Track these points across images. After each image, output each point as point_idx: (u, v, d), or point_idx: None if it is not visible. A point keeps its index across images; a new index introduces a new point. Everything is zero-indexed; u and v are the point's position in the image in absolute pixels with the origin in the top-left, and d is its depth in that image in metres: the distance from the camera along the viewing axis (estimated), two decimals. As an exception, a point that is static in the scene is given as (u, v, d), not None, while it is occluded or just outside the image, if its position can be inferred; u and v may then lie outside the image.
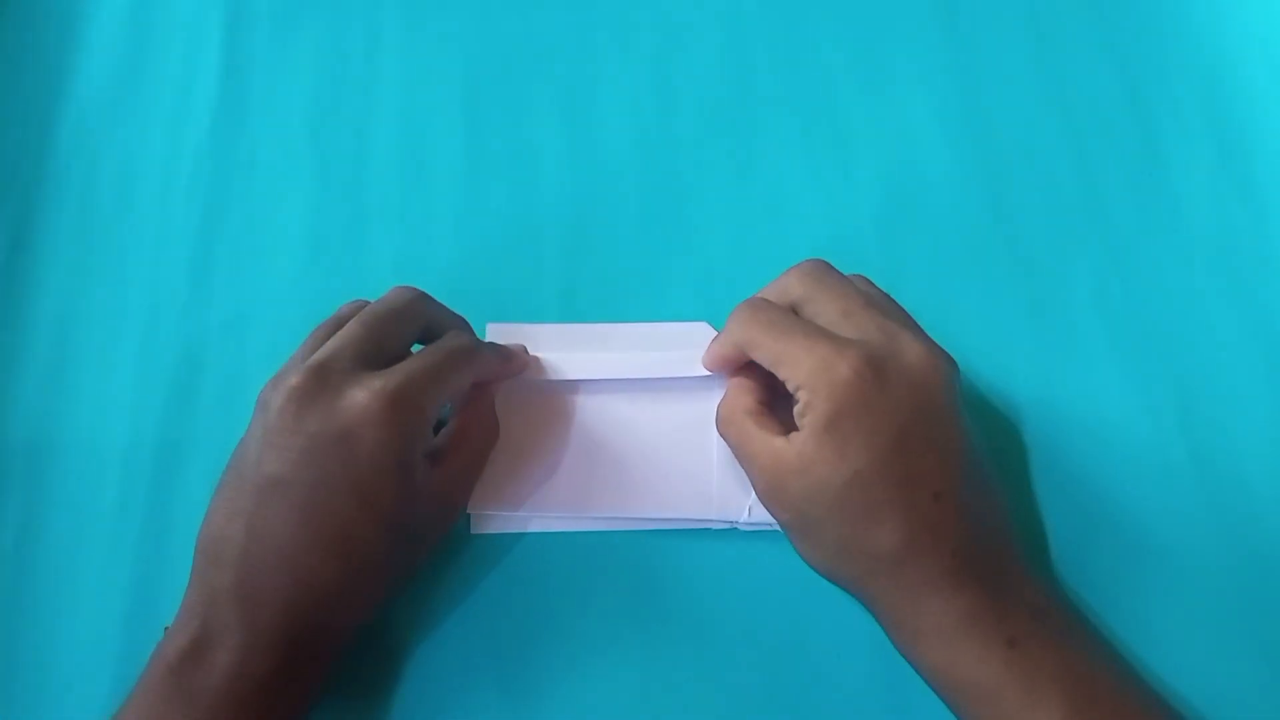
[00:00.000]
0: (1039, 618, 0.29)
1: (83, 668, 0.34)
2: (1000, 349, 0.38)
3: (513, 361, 0.36)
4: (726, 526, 0.35)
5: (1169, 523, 0.35)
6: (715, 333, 0.37)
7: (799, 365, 0.30)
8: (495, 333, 0.38)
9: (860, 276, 0.34)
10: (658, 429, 0.37)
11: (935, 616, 0.29)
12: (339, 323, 0.33)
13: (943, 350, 0.31)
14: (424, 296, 0.35)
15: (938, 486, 0.29)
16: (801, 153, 0.42)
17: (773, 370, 0.31)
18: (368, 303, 0.34)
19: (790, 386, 0.30)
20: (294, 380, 0.30)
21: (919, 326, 0.33)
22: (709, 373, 0.36)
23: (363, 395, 0.30)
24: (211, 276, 0.41)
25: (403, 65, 0.45)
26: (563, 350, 0.37)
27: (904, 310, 0.33)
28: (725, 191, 0.42)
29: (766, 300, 0.33)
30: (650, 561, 0.34)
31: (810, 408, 0.29)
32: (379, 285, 0.40)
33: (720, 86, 0.44)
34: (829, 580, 0.31)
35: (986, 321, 0.39)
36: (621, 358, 0.37)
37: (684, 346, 0.37)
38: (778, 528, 0.34)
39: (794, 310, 0.32)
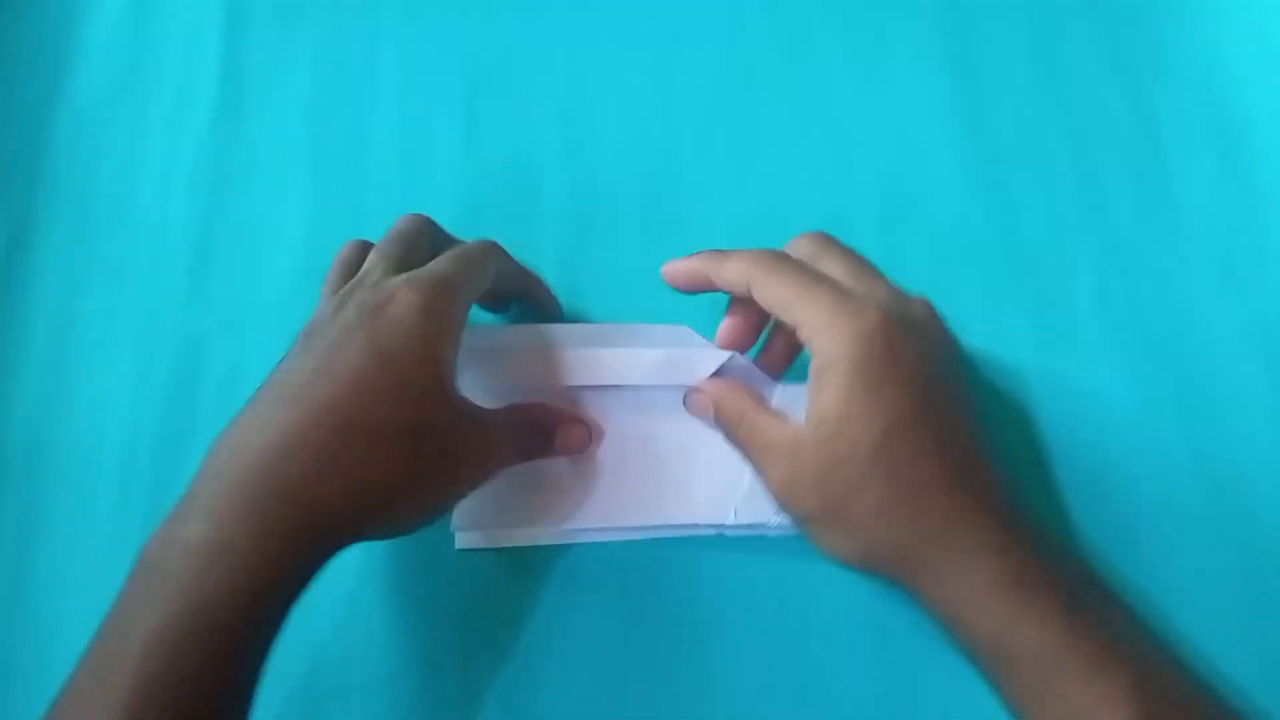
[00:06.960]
0: (1087, 584, 0.28)
1: (82, 667, 0.35)
2: (1000, 348, 0.38)
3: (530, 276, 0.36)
4: (714, 532, 0.35)
5: (1169, 521, 0.35)
6: (697, 335, 0.35)
7: (818, 309, 0.28)
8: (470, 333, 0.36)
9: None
10: (637, 435, 0.35)
11: (985, 575, 0.26)
12: (347, 265, 0.33)
13: None
14: (431, 220, 0.34)
15: (967, 443, 0.28)
16: (801, 152, 0.42)
17: (780, 314, 0.29)
18: (367, 242, 0.34)
19: (804, 333, 0.28)
20: (328, 292, 0.32)
21: None
22: (688, 381, 0.34)
23: (395, 283, 0.29)
24: (210, 276, 0.41)
25: (402, 64, 0.45)
26: (539, 351, 0.35)
27: None
28: (725, 190, 0.42)
29: (781, 251, 0.31)
30: (648, 571, 0.34)
31: (833, 361, 0.27)
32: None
33: (720, 85, 0.44)
34: (860, 568, 0.29)
35: (986, 320, 0.39)
36: (595, 355, 0.35)
37: (664, 346, 0.35)
38: (765, 529, 0.34)
39: None
